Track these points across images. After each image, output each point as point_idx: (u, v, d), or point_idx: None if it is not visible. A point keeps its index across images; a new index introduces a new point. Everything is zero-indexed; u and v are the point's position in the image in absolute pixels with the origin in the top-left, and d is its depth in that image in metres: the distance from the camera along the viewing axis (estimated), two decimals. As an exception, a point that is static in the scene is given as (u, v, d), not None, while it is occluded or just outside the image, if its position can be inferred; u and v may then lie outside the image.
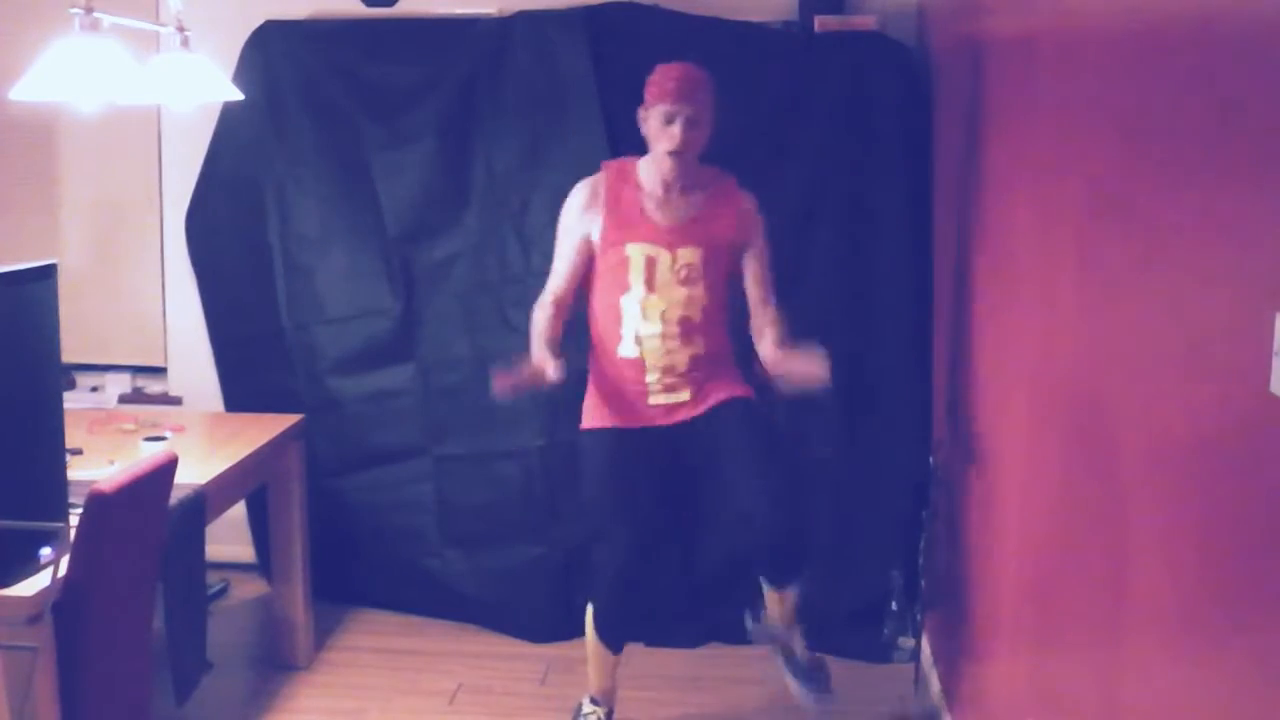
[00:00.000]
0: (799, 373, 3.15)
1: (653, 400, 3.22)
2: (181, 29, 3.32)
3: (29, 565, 2.50)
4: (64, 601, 2.48)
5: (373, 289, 4.20)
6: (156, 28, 3.61)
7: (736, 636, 3.98)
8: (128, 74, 2.92)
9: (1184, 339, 1.55)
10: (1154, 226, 1.69)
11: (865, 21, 3.99)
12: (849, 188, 3.94)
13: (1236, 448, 1.38)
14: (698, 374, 3.22)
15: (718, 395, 3.23)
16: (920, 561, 3.76)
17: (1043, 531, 2.33)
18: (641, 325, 3.18)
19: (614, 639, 3.37)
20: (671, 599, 4.06)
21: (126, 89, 2.98)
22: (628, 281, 3.18)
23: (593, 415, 3.28)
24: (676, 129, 3.09)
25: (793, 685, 3.33)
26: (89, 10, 2.81)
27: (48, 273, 2.54)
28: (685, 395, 3.22)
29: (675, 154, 3.11)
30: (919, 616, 3.83)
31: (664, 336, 3.17)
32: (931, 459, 3.70)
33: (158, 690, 2.90)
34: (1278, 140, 1.27)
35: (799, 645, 3.35)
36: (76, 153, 4.59)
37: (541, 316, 3.21)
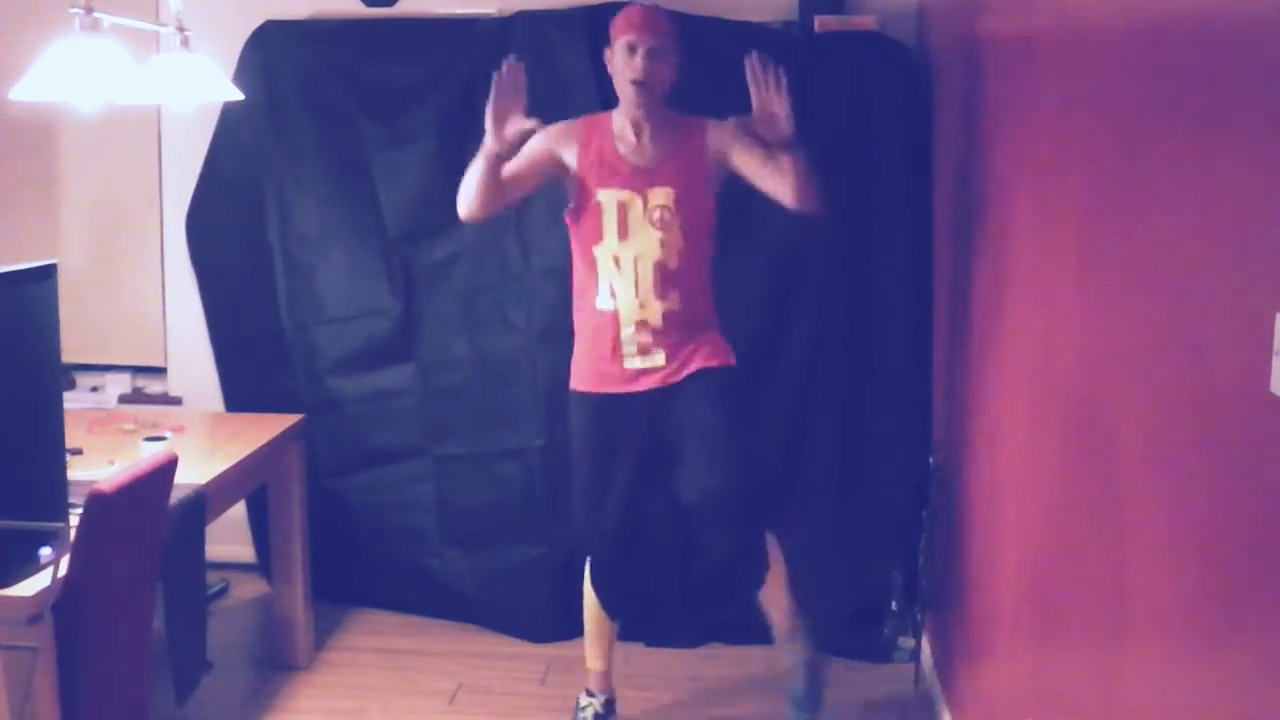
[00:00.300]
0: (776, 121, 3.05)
1: (628, 364, 3.20)
2: (181, 29, 3.32)
3: (29, 565, 2.50)
4: (64, 601, 2.48)
5: (373, 289, 4.20)
6: (156, 28, 3.61)
7: (736, 636, 3.99)
8: (128, 74, 2.92)
9: (1184, 339, 1.55)
10: (1154, 226, 1.69)
11: (865, 21, 3.99)
12: (849, 188, 3.93)
13: (1236, 448, 1.38)
14: (674, 335, 3.19)
15: (695, 363, 3.20)
16: (920, 561, 3.76)
17: (1042, 531, 2.33)
18: (615, 276, 3.18)
19: (611, 599, 3.38)
20: (671, 599, 4.06)
21: (126, 89, 2.98)
22: (601, 231, 3.18)
23: (577, 375, 3.30)
24: (639, 59, 3.11)
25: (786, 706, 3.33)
26: (89, 10, 2.81)
27: (48, 273, 2.54)
28: (660, 359, 3.19)
29: (639, 84, 3.12)
30: (919, 616, 3.83)
31: (638, 286, 3.16)
32: (931, 459, 3.70)
33: (158, 690, 2.90)
34: (1278, 140, 1.27)
35: (802, 645, 3.33)
36: (76, 153, 4.59)
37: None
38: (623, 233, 3.17)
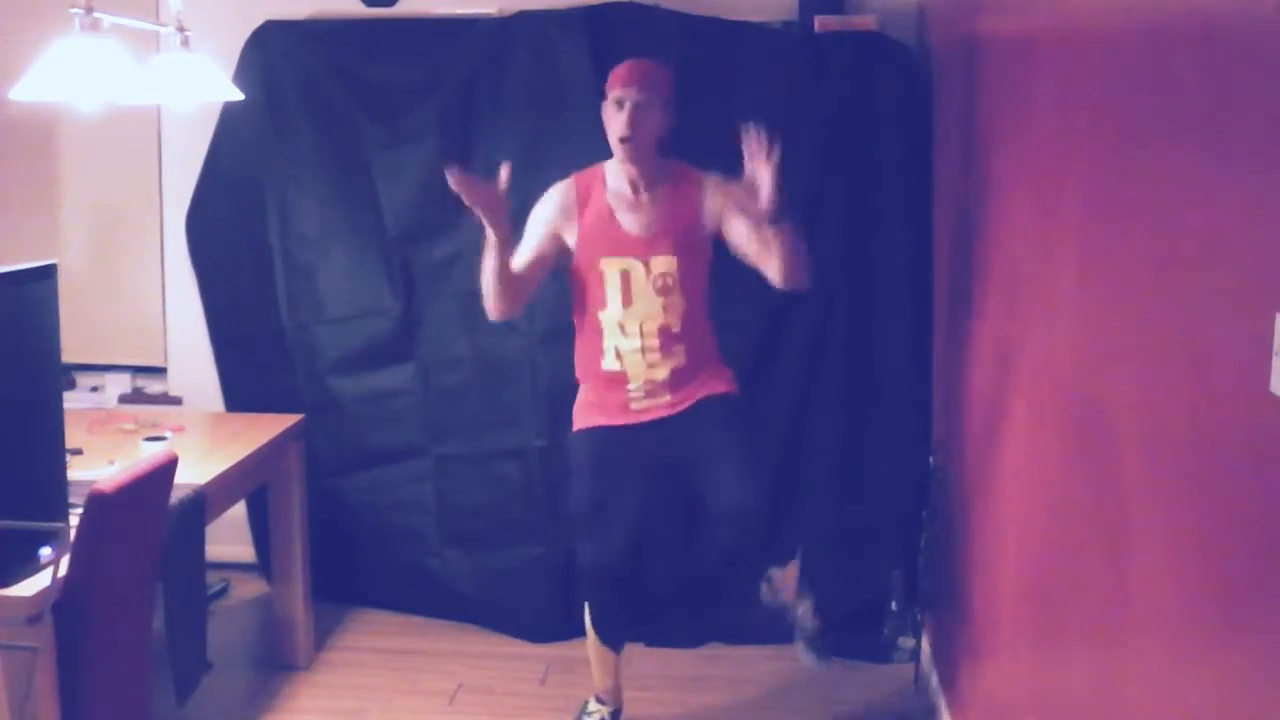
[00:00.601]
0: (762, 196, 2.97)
1: (635, 406, 3.21)
2: (181, 29, 3.32)
3: (29, 565, 2.50)
4: (64, 601, 2.48)
5: (373, 289, 4.20)
6: (156, 28, 3.61)
7: (736, 636, 3.99)
8: (128, 74, 2.92)
9: (1184, 339, 1.55)
10: (1154, 226, 1.69)
11: (865, 21, 3.99)
12: (849, 188, 3.94)
13: (1236, 448, 1.38)
14: (678, 382, 3.20)
15: (703, 391, 3.21)
16: (920, 561, 3.76)
17: (1042, 531, 2.33)
18: (621, 340, 3.17)
19: (611, 635, 3.40)
20: (671, 599, 4.06)
21: (126, 89, 2.98)
22: (604, 298, 3.17)
23: (580, 418, 3.29)
24: (625, 114, 3.09)
25: (799, 649, 3.35)
26: (89, 10, 2.81)
27: (48, 273, 2.54)
28: (666, 398, 3.20)
29: (626, 140, 3.10)
30: (919, 616, 3.83)
31: (644, 350, 3.16)
32: (931, 459, 3.70)
33: (158, 690, 2.90)
34: (1277, 140, 1.27)
35: (805, 613, 3.35)
36: (76, 153, 4.59)
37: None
38: (626, 300, 3.16)
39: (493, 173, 4.03)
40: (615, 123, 3.11)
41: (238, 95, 3.65)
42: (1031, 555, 2.43)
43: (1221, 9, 1.47)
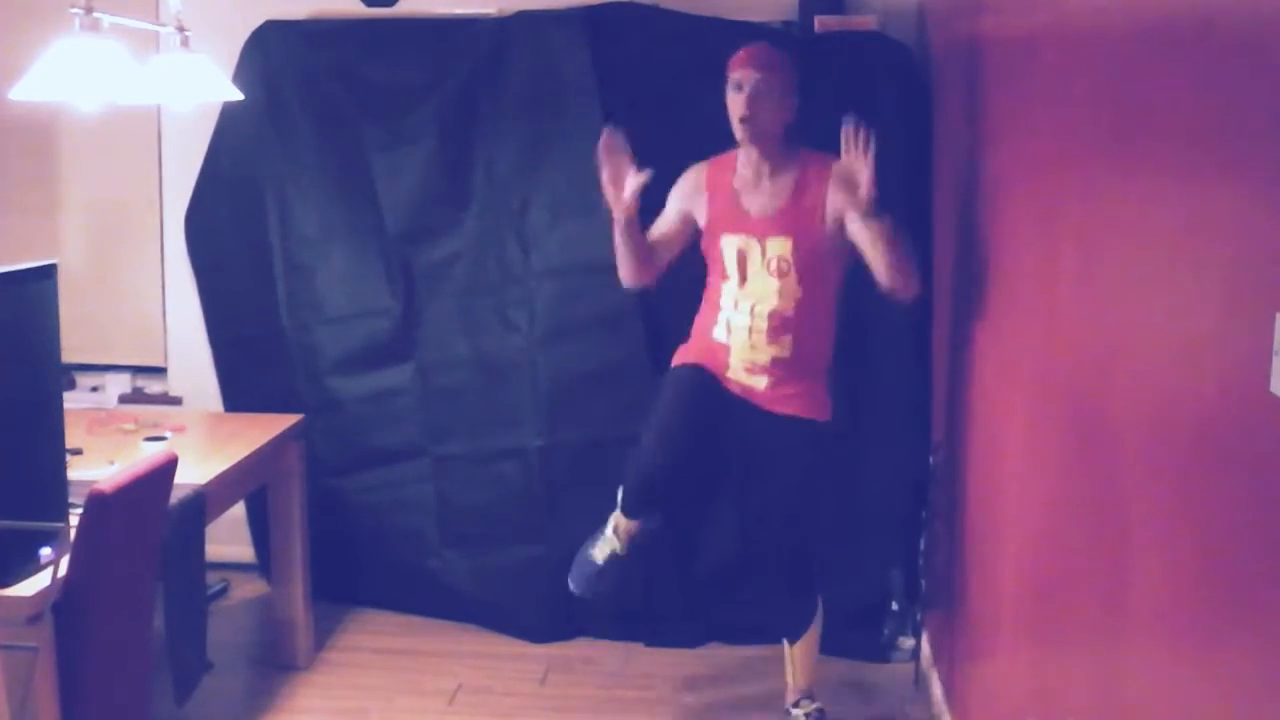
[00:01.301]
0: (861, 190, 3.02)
1: (730, 374, 3.23)
2: (181, 29, 3.32)
3: (29, 565, 2.50)
4: (64, 601, 2.48)
5: (373, 289, 4.20)
6: (156, 28, 3.61)
7: (736, 636, 3.99)
8: (128, 74, 2.93)
9: (1184, 339, 1.55)
10: (1154, 226, 1.69)
11: (865, 21, 3.99)
12: (849, 188, 3.93)
13: (1236, 448, 1.38)
14: (779, 372, 3.20)
15: (793, 406, 3.20)
16: (920, 561, 3.76)
17: (1043, 531, 2.33)
18: (733, 315, 3.22)
19: (635, 504, 3.28)
20: (671, 599, 4.06)
21: (126, 89, 2.98)
22: (724, 271, 3.24)
23: (683, 355, 3.31)
24: (743, 95, 3.13)
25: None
26: (89, 10, 2.81)
27: (48, 273, 2.54)
28: (761, 383, 3.21)
29: (745, 121, 3.13)
30: (919, 616, 3.83)
31: (751, 330, 3.19)
32: (931, 459, 3.70)
33: (158, 690, 2.90)
34: (1277, 140, 1.27)
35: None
36: (76, 153, 4.59)
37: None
38: (742, 278, 3.20)
39: (493, 172, 4.07)
40: (734, 104, 3.16)
41: (238, 95, 3.65)
42: (1031, 555, 2.43)
43: (1221, 9, 1.47)
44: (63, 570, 2.46)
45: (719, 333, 3.25)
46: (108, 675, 2.61)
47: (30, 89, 2.79)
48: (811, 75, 3.91)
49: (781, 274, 3.16)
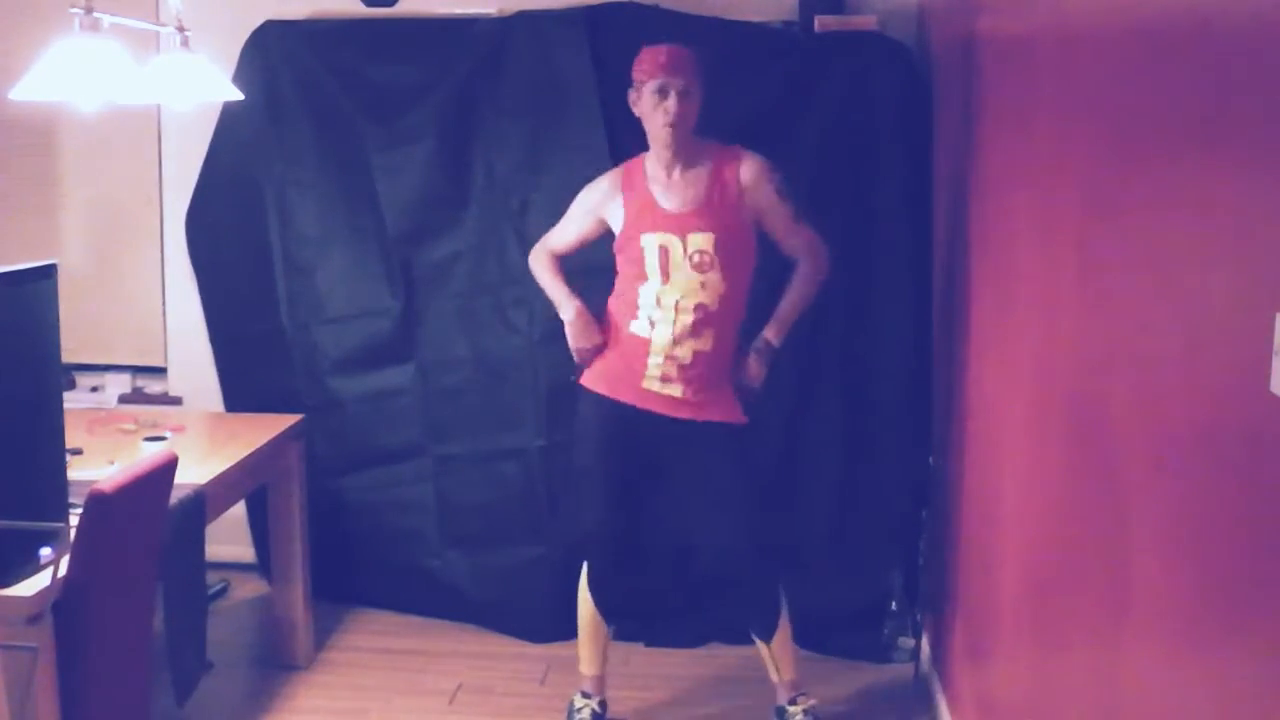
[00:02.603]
0: (746, 373, 3.34)
1: (646, 384, 3.26)
2: (181, 29, 3.32)
3: (29, 565, 2.50)
4: (64, 601, 2.48)
5: (373, 289, 4.20)
6: (156, 28, 3.61)
7: (736, 637, 3.99)
8: (128, 74, 2.92)
9: (1184, 339, 1.55)
10: (1154, 226, 1.69)
11: (865, 21, 3.99)
12: (849, 188, 3.93)
13: (1236, 448, 1.38)
14: (697, 373, 3.24)
15: (714, 412, 3.27)
16: (920, 561, 3.76)
17: (1043, 531, 2.33)
18: (655, 312, 3.24)
19: (607, 602, 3.43)
20: (671, 599, 4.06)
21: (126, 89, 2.98)
22: (645, 272, 3.24)
23: (593, 376, 3.35)
24: (671, 102, 3.16)
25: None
26: (89, 10, 2.81)
27: (48, 273, 2.54)
28: (677, 392, 3.25)
29: (672, 126, 3.17)
30: (919, 616, 3.83)
31: (676, 325, 3.21)
32: (931, 459, 3.70)
33: (158, 690, 2.90)
34: (1277, 140, 1.27)
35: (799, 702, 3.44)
36: (76, 153, 4.59)
37: (540, 264, 3.48)
38: (665, 275, 3.23)
39: (492, 172, 4.07)
40: (659, 111, 3.18)
41: (238, 95, 3.65)
42: (1031, 555, 2.43)
43: (1221, 9, 1.47)
44: (63, 570, 2.46)
45: (639, 326, 3.26)
46: (108, 675, 2.61)
47: (30, 89, 2.79)
48: (811, 75, 3.93)
49: (704, 268, 3.20)
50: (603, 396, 3.31)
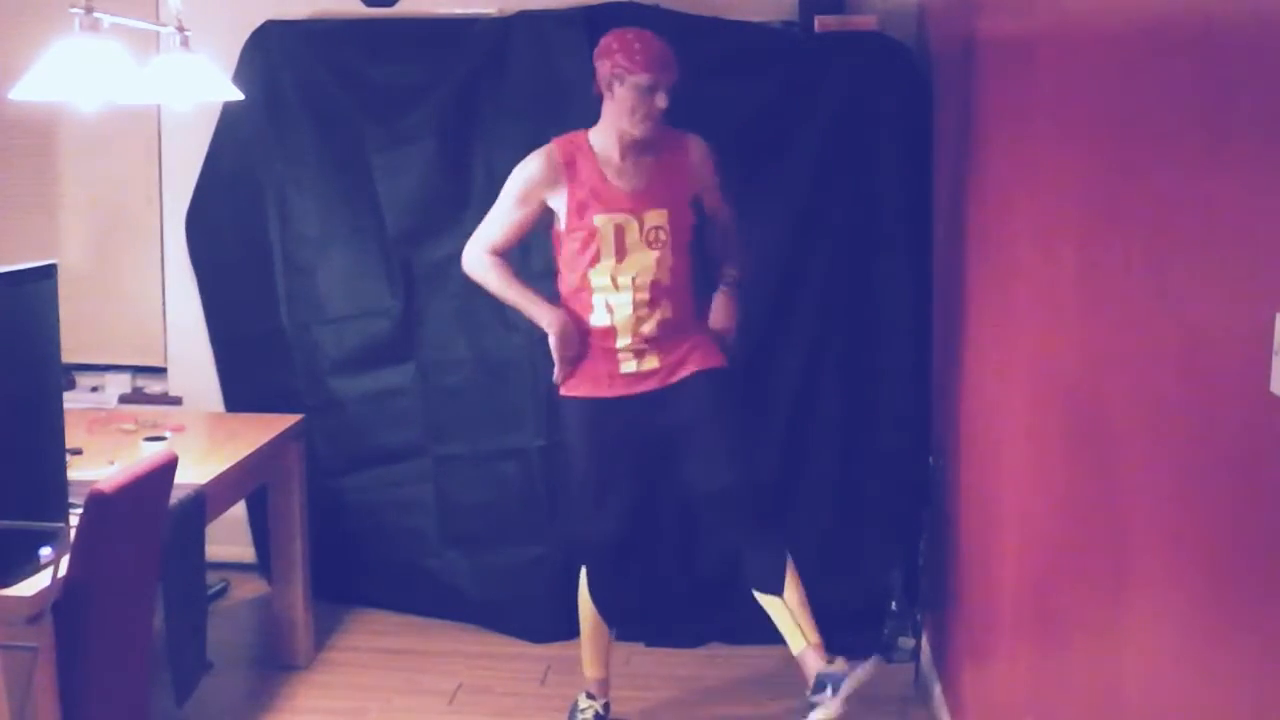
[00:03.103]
0: (718, 320, 3.40)
1: (624, 369, 3.27)
2: (181, 29, 3.32)
3: (29, 565, 2.50)
4: (64, 601, 2.48)
5: (373, 289, 4.20)
6: (156, 28, 3.61)
7: (736, 636, 3.99)
8: (128, 74, 2.92)
9: (1184, 339, 1.55)
10: (1154, 226, 1.69)
11: (865, 21, 3.99)
12: (849, 188, 3.94)
13: (1236, 448, 1.38)
14: (667, 340, 3.27)
15: (688, 367, 3.29)
16: (920, 561, 3.76)
17: (1043, 531, 2.33)
18: (612, 295, 3.24)
19: (608, 606, 3.42)
20: (671, 599, 4.06)
21: (126, 89, 2.98)
22: (597, 254, 3.23)
23: (572, 383, 3.33)
24: (662, 100, 3.15)
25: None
26: (89, 10, 2.81)
27: (48, 273, 2.54)
28: (654, 363, 3.27)
29: (653, 126, 3.18)
30: (919, 616, 3.83)
31: (635, 304, 3.23)
32: (931, 459, 3.70)
33: (158, 690, 2.90)
34: (1277, 140, 1.27)
35: (824, 664, 3.32)
36: (76, 153, 4.59)
37: (490, 269, 3.39)
38: (620, 254, 3.22)
39: (493, 172, 4.06)
40: (644, 105, 3.15)
41: (238, 95, 3.65)
42: (1031, 555, 2.43)
43: (1221, 9, 1.47)
44: (63, 570, 2.46)
45: (598, 317, 3.25)
46: (108, 675, 2.61)
47: (30, 89, 2.79)
48: (811, 75, 3.93)
49: (659, 244, 3.22)
50: (584, 399, 3.30)
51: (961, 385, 3.29)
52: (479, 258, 3.39)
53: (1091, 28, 2.07)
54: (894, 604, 3.92)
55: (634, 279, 3.22)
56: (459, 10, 4.20)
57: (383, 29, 4.20)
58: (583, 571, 3.45)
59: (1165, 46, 1.67)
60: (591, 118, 3.95)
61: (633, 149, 3.24)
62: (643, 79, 3.14)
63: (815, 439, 4.01)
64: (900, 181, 3.92)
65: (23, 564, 2.49)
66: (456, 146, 4.09)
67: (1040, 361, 2.38)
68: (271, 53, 4.19)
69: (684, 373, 3.29)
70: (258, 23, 4.21)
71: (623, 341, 3.25)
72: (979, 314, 3.08)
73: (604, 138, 3.25)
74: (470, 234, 4.09)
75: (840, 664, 3.30)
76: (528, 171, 3.29)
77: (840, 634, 3.91)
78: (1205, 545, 1.48)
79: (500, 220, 3.35)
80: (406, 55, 4.13)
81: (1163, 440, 1.64)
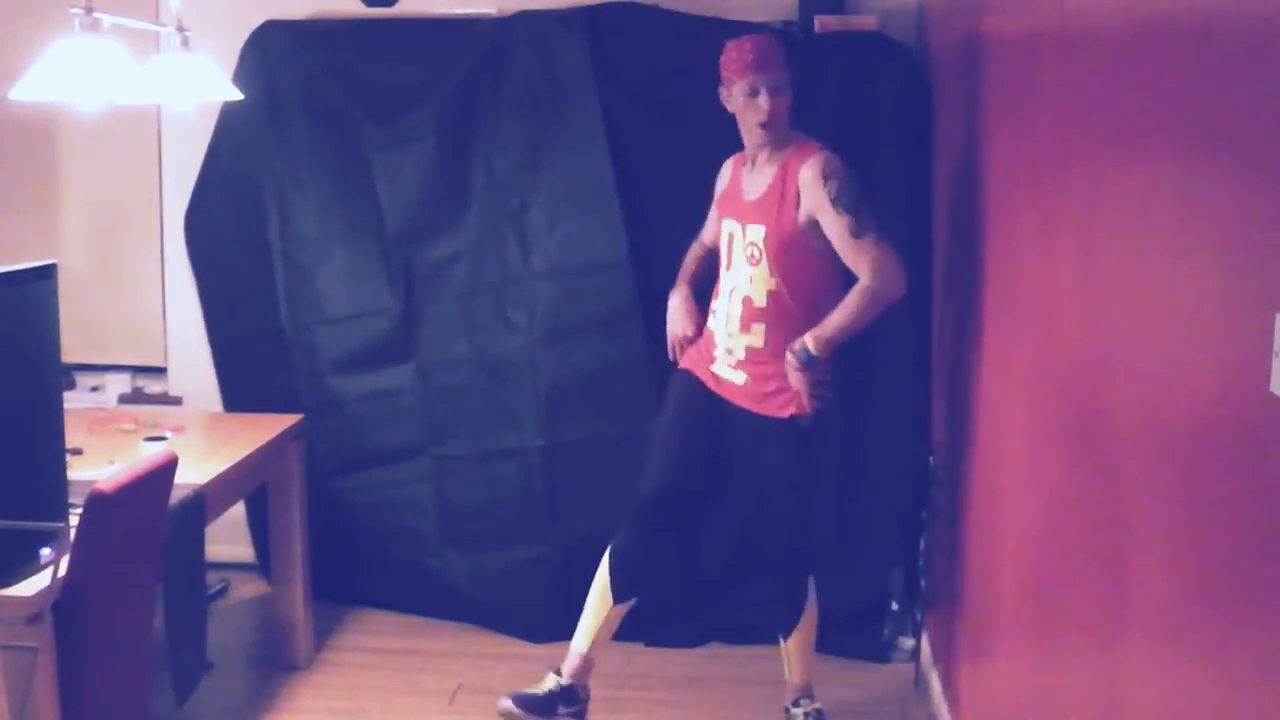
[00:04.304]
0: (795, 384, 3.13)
1: (715, 367, 3.28)
2: (181, 29, 3.32)
3: (29, 565, 2.50)
4: (64, 601, 2.48)
5: (373, 289, 4.20)
6: (156, 28, 3.61)
7: (736, 636, 3.99)
8: (128, 74, 2.92)
9: (1184, 339, 1.55)
10: (1154, 226, 1.69)
11: (865, 21, 3.99)
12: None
13: (1236, 448, 1.38)
14: (754, 368, 3.20)
15: (772, 405, 3.18)
16: (920, 561, 3.76)
17: (1043, 531, 2.33)
18: (721, 301, 3.26)
19: (622, 577, 3.33)
20: (672, 599, 4.06)
21: (126, 89, 2.98)
22: (721, 258, 3.29)
23: (686, 358, 3.38)
24: (763, 100, 3.13)
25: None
26: (89, 10, 2.81)
27: (48, 273, 2.54)
28: (741, 379, 3.23)
29: (765, 125, 3.15)
30: (919, 616, 3.83)
31: (729, 317, 3.22)
32: (931, 459, 3.70)
33: (158, 690, 2.90)
34: (1277, 140, 1.27)
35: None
36: (76, 153, 4.59)
37: (689, 253, 3.48)
38: (729, 263, 3.25)
39: (493, 172, 4.07)
40: (752, 109, 3.15)
41: (238, 95, 3.65)
42: (1031, 555, 2.43)
43: (1221, 9, 1.47)
44: (63, 570, 2.46)
45: (711, 320, 3.30)
46: (108, 675, 2.61)
47: (30, 89, 2.79)
48: (811, 75, 3.92)
49: (754, 261, 3.18)
50: (685, 370, 3.35)
51: (962, 385, 3.29)
52: (694, 245, 3.50)
53: (1091, 28, 2.07)
54: (894, 604, 3.93)
55: (733, 290, 3.21)
56: (459, 10, 4.20)
57: (383, 29, 4.20)
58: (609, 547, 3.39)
59: (1165, 46, 1.67)
60: (591, 117, 3.97)
61: (761, 156, 3.21)
62: (741, 84, 3.15)
63: (815, 439, 4.00)
64: (900, 181, 3.92)
65: (23, 564, 2.49)
66: (456, 146, 4.09)
67: (1040, 361, 2.38)
68: (271, 53, 4.19)
69: (766, 410, 3.19)
70: (258, 23, 4.21)
71: (719, 350, 3.26)
72: (979, 314, 3.08)
73: (748, 147, 3.26)
74: (470, 234, 4.12)
75: (809, 705, 3.42)
76: (721, 171, 3.39)
77: (840, 634, 3.92)
78: (1205, 545, 1.48)
79: (709, 220, 3.45)
80: (406, 55, 4.14)
81: (1163, 440, 1.64)
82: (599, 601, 3.42)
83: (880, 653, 3.93)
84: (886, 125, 3.92)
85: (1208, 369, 1.47)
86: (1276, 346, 1.24)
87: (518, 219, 4.05)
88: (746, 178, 3.25)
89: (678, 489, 3.33)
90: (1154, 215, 1.70)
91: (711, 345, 3.28)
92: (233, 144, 4.26)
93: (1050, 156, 2.34)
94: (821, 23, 3.98)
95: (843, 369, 3.97)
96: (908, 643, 3.90)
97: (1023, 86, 2.62)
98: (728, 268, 3.24)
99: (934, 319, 3.88)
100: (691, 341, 3.35)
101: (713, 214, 3.42)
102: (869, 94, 3.91)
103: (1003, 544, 2.71)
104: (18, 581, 2.47)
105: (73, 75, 2.80)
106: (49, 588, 2.46)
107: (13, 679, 2.40)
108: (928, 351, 3.93)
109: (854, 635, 3.93)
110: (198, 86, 3.36)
